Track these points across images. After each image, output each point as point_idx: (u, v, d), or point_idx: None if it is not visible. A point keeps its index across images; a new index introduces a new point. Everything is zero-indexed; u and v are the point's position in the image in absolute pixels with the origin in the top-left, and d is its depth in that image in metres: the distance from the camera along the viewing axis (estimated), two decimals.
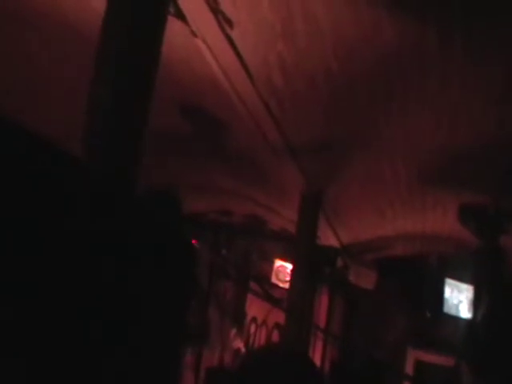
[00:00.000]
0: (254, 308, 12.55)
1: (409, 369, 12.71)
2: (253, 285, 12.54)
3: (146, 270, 1.79)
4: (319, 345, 12.57)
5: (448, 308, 12.41)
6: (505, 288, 8.94)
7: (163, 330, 1.93)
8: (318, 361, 11.93)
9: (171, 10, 4.03)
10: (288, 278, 10.22)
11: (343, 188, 8.42)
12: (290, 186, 8.45)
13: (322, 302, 12.78)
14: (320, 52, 4.95)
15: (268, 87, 5.62)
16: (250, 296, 12.80)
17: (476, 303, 10.63)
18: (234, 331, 12.26)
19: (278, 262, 12.38)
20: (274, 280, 12.37)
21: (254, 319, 12.35)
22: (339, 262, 11.88)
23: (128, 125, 3.41)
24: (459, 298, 12.36)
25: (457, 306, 12.38)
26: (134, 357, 1.72)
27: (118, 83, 3.37)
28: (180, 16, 4.37)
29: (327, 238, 10.79)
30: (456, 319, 12.18)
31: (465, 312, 12.21)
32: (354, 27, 4.54)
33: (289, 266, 10.96)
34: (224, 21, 4.48)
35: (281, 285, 12.05)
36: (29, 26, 5.33)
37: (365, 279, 12.11)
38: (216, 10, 4.37)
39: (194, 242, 9.97)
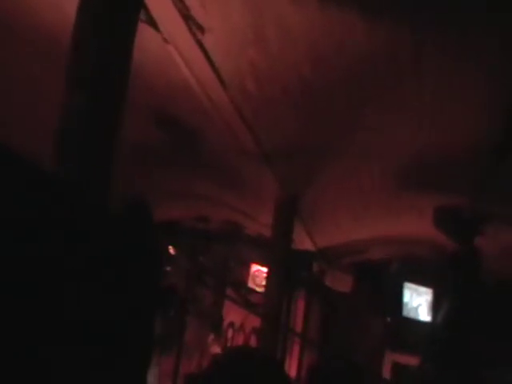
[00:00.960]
0: (232, 313, 12.53)
1: (386, 371, 12.74)
2: (230, 290, 12.53)
3: (109, 279, 1.78)
4: (296, 349, 12.57)
5: (407, 311, 12.49)
6: (476, 289, 9.00)
7: (129, 339, 1.91)
8: (295, 365, 11.93)
9: (142, 16, 3.99)
10: (264, 283, 10.21)
11: (319, 192, 8.43)
12: (266, 191, 8.44)
13: (299, 307, 12.78)
14: (292, 58, 4.94)
15: (241, 93, 5.60)
16: (227, 302, 12.78)
17: (435, 306, 10.72)
18: (211, 337, 12.22)
19: (255, 267, 12.37)
20: (250, 284, 12.36)
21: (231, 324, 12.33)
22: (315, 267, 11.89)
23: (100, 132, 3.39)
24: (419, 302, 12.44)
25: (416, 309, 12.46)
26: (99, 365, 1.71)
27: (90, 90, 3.35)
28: (151, 23, 4.35)
29: (303, 242, 10.79)
30: (416, 322, 12.27)
31: (424, 315, 12.29)
32: (326, 33, 4.54)
33: (265, 270, 10.95)
34: (195, 27, 4.46)
35: (257, 289, 12.04)
36: (0, 33, 5.28)
37: (341, 283, 12.13)
38: (187, 17, 4.36)
39: (170, 248, 9.93)
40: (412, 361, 12.31)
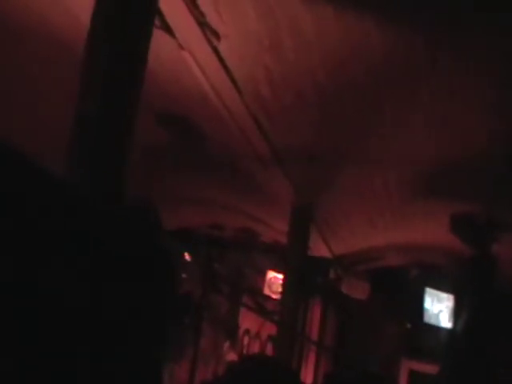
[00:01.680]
0: (248, 321, 12.52)
1: (403, 379, 12.68)
2: (245, 297, 12.52)
3: (121, 284, 1.78)
4: (312, 356, 12.53)
5: (428, 318, 12.39)
6: (493, 296, 8.95)
7: (140, 345, 1.91)
8: (311, 372, 11.89)
9: (157, 22, 4.01)
10: (280, 289, 10.19)
11: (334, 199, 8.41)
12: (281, 198, 8.44)
13: (315, 314, 12.75)
14: (308, 65, 4.95)
15: (256, 100, 5.61)
16: (243, 309, 12.77)
17: (457, 312, 10.65)
18: (227, 344, 12.22)
19: (271, 274, 12.35)
20: (266, 292, 12.33)
21: (246, 331, 12.32)
22: (331, 274, 11.86)
23: (113, 138, 3.39)
24: (439, 308, 12.34)
25: (437, 316, 12.37)
26: (109, 372, 1.71)
27: (105, 96, 3.36)
28: (166, 29, 4.36)
29: (319, 249, 10.77)
30: (437, 329, 12.17)
31: (445, 321, 12.19)
32: (341, 40, 4.54)
33: (281, 277, 10.93)
34: (211, 34, 4.48)
35: (274, 296, 12.01)
36: (15, 39, 5.31)
37: (357, 290, 12.08)
38: (202, 23, 4.37)
39: (184, 255, 9.94)
40: (429, 368, 12.26)
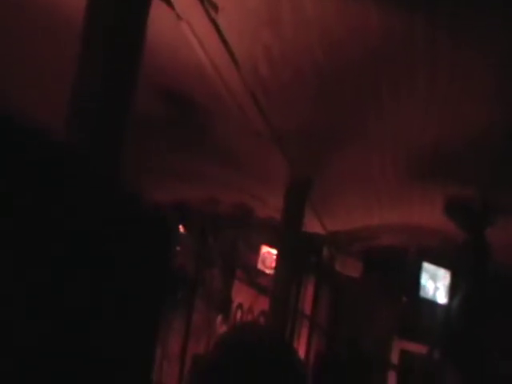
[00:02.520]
0: (241, 295, 12.57)
1: (394, 358, 12.76)
2: (239, 273, 12.55)
3: (122, 253, 1.78)
4: (305, 332, 12.60)
5: (425, 293, 12.41)
6: (487, 280, 8.99)
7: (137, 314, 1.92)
8: (303, 349, 11.97)
9: None
10: (274, 265, 10.22)
11: (330, 177, 8.42)
12: (277, 174, 8.44)
13: (308, 291, 12.80)
14: (306, 42, 4.93)
15: (254, 75, 5.60)
16: (236, 283, 12.81)
17: (453, 289, 10.67)
18: (220, 318, 12.27)
19: (264, 249, 12.37)
20: (260, 266, 12.36)
21: (239, 306, 12.37)
22: (325, 251, 11.90)
23: (112, 110, 3.40)
24: (436, 284, 12.36)
25: (433, 292, 12.38)
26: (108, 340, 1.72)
27: (103, 67, 3.36)
28: None
29: (313, 225, 10.80)
30: (433, 304, 12.18)
31: (441, 298, 12.20)
32: (341, 18, 4.52)
33: (274, 252, 10.95)
34: (209, 5, 4.45)
35: (267, 271, 12.04)
36: (13, 8, 5.28)
37: (351, 269, 12.13)
38: None
39: (179, 228, 9.95)
40: (421, 349, 12.34)
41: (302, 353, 11.93)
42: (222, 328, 12.05)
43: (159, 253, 2.07)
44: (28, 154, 1.33)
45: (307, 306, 12.79)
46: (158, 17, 4.30)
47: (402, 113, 6.04)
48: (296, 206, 8.68)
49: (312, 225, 10.71)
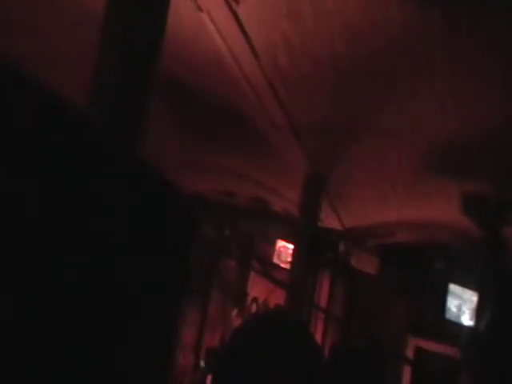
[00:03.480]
0: (256, 289, 12.62)
1: (409, 355, 12.76)
2: (255, 266, 12.59)
3: (144, 240, 1.78)
4: (320, 326, 12.63)
5: (450, 315, 12.37)
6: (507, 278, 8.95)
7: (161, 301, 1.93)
8: (318, 342, 11.99)
9: None
10: (289, 259, 10.24)
11: (347, 172, 8.42)
12: (294, 167, 8.46)
13: (324, 285, 12.83)
14: (326, 33, 4.94)
15: (273, 66, 5.61)
16: (252, 277, 12.86)
17: (479, 312, 10.63)
18: (235, 311, 12.32)
19: (280, 243, 12.40)
20: (275, 260, 12.40)
21: (255, 299, 12.42)
22: (341, 246, 11.90)
23: (133, 99, 3.43)
24: (462, 307, 12.30)
25: (459, 314, 12.33)
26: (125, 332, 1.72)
27: (124, 58, 3.38)
28: None
29: (330, 220, 10.80)
30: (458, 325, 12.14)
31: (466, 320, 12.16)
32: (360, 10, 4.52)
33: (290, 247, 10.98)
34: None
35: (282, 265, 12.09)
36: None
37: (367, 264, 12.13)
38: None
39: (198, 220, 9.99)
40: (436, 347, 12.33)
41: (318, 342, 11.97)
42: (237, 321, 12.10)
43: (184, 241, 2.07)
44: (54, 123, 1.33)
45: (323, 301, 12.81)
46: (179, 8, 4.34)
47: (420, 106, 6.03)
48: (313, 200, 8.69)
49: (328, 220, 10.71)
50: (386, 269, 12.40)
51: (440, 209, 9.51)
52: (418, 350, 12.78)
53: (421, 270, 12.59)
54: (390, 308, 12.84)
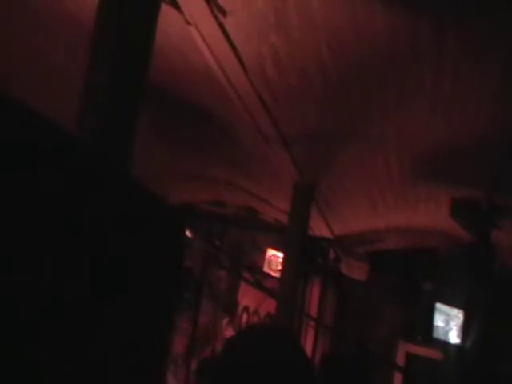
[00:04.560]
0: (247, 298, 12.61)
1: (399, 361, 12.78)
2: (245, 275, 12.59)
3: (134, 251, 1.79)
4: (311, 335, 12.64)
5: (438, 334, 12.51)
6: (492, 283, 9.01)
7: (154, 299, 1.93)
8: (309, 350, 12.00)
9: None
10: (280, 267, 10.25)
11: (336, 180, 8.45)
12: (284, 177, 8.47)
13: (314, 293, 12.84)
14: (313, 44, 4.96)
15: (261, 78, 5.63)
16: (242, 286, 12.86)
17: (466, 329, 10.77)
18: (226, 320, 12.31)
19: (270, 251, 12.41)
20: (266, 269, 12.40)
21: (245, 308, 12.42)
22: (331, 254, 11.92)
23: (121, 112, 3.44)
24: (449, 325, 12.44)
25: (446, 332, 12.46)
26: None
27: (113, 70, 3.40)
28: (174, 4, 4.38)
29: (319, 229, 10.83)
30: (445, 344, 12.29)
31: (454, 338, 12.31)
32: (347, 20, 4.55)
33: (281, 255, 10.99)
34: (217, 10, 4.49)
35: (272, 274, 12.09)
36: (23, 10, 5.33)
37: (356, 271, 12.15)
38: None
39: (187, 230, 10.00)
40: (427, 352, 12.39)
41: (308, 354, 11.98)
42: (227, 330, 12.09)
43: (173, 252, 2.08)
44: (41, 145, 1.34)
45: (313, 308, 12.82)
46: (167, 21, 4.36)
47: (408, 114, 6.06)
48: (302, 208, 8.71)
49: (318, 228, 10.73)
50: (375, 275, 12.43)
51: (429, 215, 9.56)
52: (409, 356, 12.82)
53: (409, 275, 12.65)
54: (380, 314, 12.88)
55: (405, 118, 6.16)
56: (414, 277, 12.65)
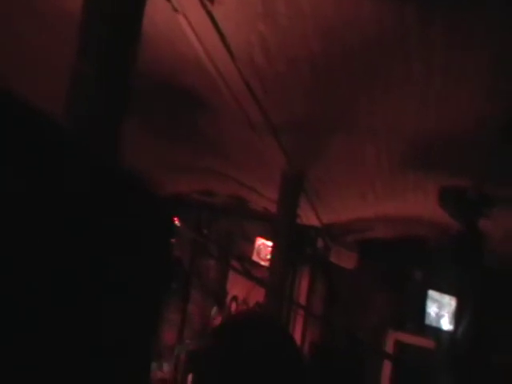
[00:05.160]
0: (236, 287, 12.62)
1: (389, 349, 12.82)
2: (234, 264, 12.59)
3: (123, 243, 1.78)
4: (300, 322, 12.66)
5: (430, 321, 12.46)
6: (480, 272, 9.06)
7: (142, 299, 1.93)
8: (298, 339, 12.03)
9: None
10: (269, 256, 10.26)
11: (325, 169, 8.45)
12: (272, 166, 8.47)
13: (303, 282, 12.86)
14: (301, 33, 4.95)
15: (249, 66, 5.62)
16: (231, 275, 12.87)
17: (458, 315, 10.80)
18: (214, 310, 12.32)
19: (260, 240, 12.40)
20: (255, 258, 12.40)
21: (234, 298, 12.43)
22: (320, 243, 11.94)
23: (109, 101, 3.43)
24: (441, 312, 12.40)
25: (438, 319, 12.42)
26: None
27: (100, 59, 3.38)
28: None
29: (308, 218, 10.83)
30: (437, 330, 12.25)
31: (446, 324, 12.27)
32: (335, 8, 4.54)
33: (270, 244, 10.99)
34: None
35: (262, 262, 12.09)
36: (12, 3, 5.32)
37: (345, 260, 12.18)
38: None
39: (175, 219, 10.01)
40: (416, 341, 12.43)
41: (297, 342, 12.00)
42: (216, 319, 12.10)
43: (161, 241, 2.07)
44: (29, 134, 1.33)
45: (302, 297, 12.84)
46: (155, 9, 4.33)
47: (397, 103, 6.06)
48: (291, 197, 8.72)
49: (307, 217, 10.74)
50: (364, 264, 12.46)
51: (417, 204, 9.57)
52: (398, 344, 12.86)
53: (399, 264, 12.67)
54: (369, 302, 12.90)
55: (394, 107, 6.16)
56: (403, 265, 12.66)
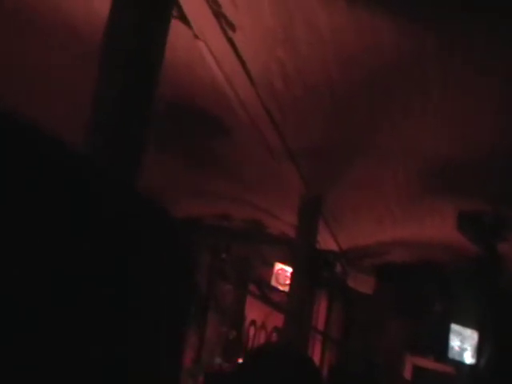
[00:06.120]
0: (254, 312, 12.60)
1: (407, 374, 12.75)
2: (252, 288, 12.59)
3: (142, 269, 1.78)
4: (318, 348, 12.62)
5: (452, 354, 12.38)
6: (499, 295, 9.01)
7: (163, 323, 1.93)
8: (316, 363, 11.98)
9: (174, 12, 4.07)
10: (288, 282, 10.26)
11: (343, 193, 8.46)
12: (290, 190, 8.49)
13: (321, 306, 12.83)
14: (321, 59, 4.99)
15: (269, 92, 5.66)
16: (249, 300, 12.85)
17: (480, 349, 10.73)
18: (233, 333, 12.30)
19: (278, 266, 12.41)
20: (273, 283, 12.40)
21: (252, 322, 12.40)
22: (338, 267, 11.92)
23: (130, 126, 3.45)
24: (464, 345, 12.32)
25: (461, 353, 12.33)
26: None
27: (122, 85, 3.41)
28: (183, 19, 4.42)
29: (326, 242, 10.82)
30: (460, 364, 12.17)
31: (469, 358, 12.18)
32: (354, 35, 4.58)
33: (289, 270, 11.00)
34: (226, 25, 4.53)
35: (280, 288, 12.09)
36: (32, 28, 5.38)
37: (363, 284, 12.15)
38: (218, 14, 4.43)
39: (194, 244, 10.00)
40: (434, 366, 12.34)
41: (321, 374, 11.96)
42: (234, 344, 12.07)
43: (183, 269, 2.08)
44: (49, 163, 1.34)
45: (320, 322, 12.81)
46: (177, 36, 4.39)
47: (414, 128, 6.08)
48: (309, 222, 8.72)
49: (325, 242, 10.73)
50: (382, 288, 12.42)
51: (435, 228, 9.55)
52: (416, 369, 12.79)
53: (416, 288, 12.63)
54: (386, 327, 12.86)
55: (411, 132, 6.18)
56: (421, 289, 12.62)
